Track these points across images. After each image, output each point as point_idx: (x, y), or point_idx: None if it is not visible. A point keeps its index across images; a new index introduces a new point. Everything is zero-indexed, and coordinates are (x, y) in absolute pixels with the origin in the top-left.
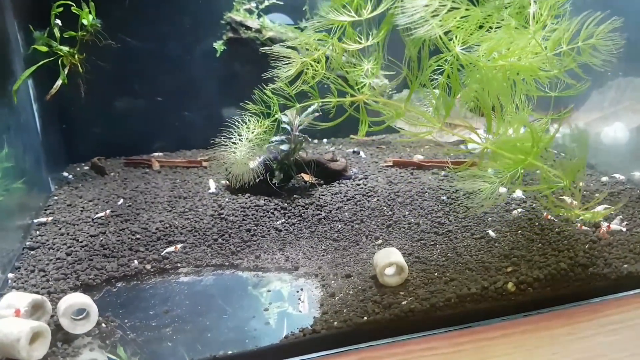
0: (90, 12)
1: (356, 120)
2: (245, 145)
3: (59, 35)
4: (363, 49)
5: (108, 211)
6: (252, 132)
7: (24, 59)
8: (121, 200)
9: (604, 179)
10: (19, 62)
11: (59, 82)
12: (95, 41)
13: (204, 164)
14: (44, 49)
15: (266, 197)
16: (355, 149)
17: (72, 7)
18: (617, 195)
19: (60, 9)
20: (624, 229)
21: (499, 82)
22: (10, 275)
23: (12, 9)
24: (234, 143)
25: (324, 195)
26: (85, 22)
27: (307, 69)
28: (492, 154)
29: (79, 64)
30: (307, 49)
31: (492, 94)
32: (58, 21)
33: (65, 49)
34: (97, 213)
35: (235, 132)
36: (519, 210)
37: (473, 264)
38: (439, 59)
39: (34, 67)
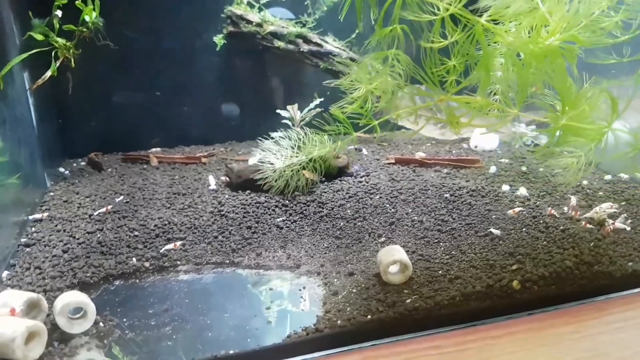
0: (94, 10)
1: (356, 118)
2: (300, 161)
3: (57, 26)
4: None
5: (110, 207)
6: (315, 150)
7: (20, 52)
8: (119, 197)
9: (607, 177)
10: (15, 55)
11: (48, 74)
12: (93, 39)
13: (203, 160)
14: (40, 37)
15: (267, 194)
16: (357, 146)
17: (77, 2)
18: (621, 194)
19: (64, 1)
20: (628, 228)
21: (555, 60)
22: (5, 273)
23: (8, 1)
24: (290, 156)
25: (325, 193)
26: (87, 18)
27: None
28: (568, 129)
29: (72, 59)
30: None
31: (551, 72)
32: (59, 12)
33: (62, 41)
34: (94, 210)
35: (295, 146)
36: (523, 208)
37: (477, 261)
38: (494, 52)
39: (24, 55)
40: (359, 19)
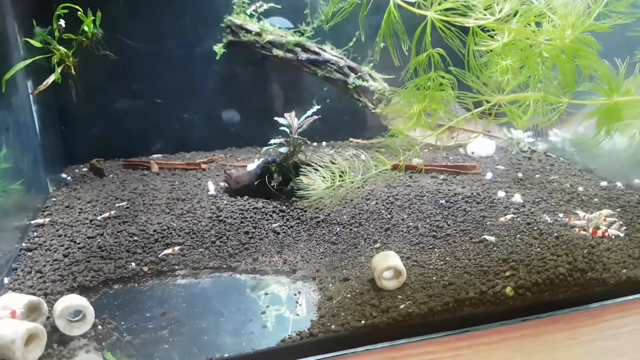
0: (94, 21)
1: (354, 123)
2: (355, 180)
3: (58, 35)
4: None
5: (113, 212)
6: (373, 169)
7: (23, 60)
8: (121, 203)
9: (603, 183)
10: (17, 63)
11: (51, 79)
12: (93, 48)
13: (203, 166)
14: (38, 44)
15: (264, 200)
16: (355, 152)
17: (79, 13)
18: (616, 200)
19: (66, 11)
20: (622, 234)
21: (582, 50)
22: (6, 277)
23: (13, 11)
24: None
25: (322, 198)
26: (86, 28)
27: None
28: (618, 106)
29: (72, 66)
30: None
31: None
32: (62, 22)
33: (63, 49)
34: (95, 215)
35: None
36: (518, 214)
37: (471, 268)
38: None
39: (28, 60)
40: (393, 54)
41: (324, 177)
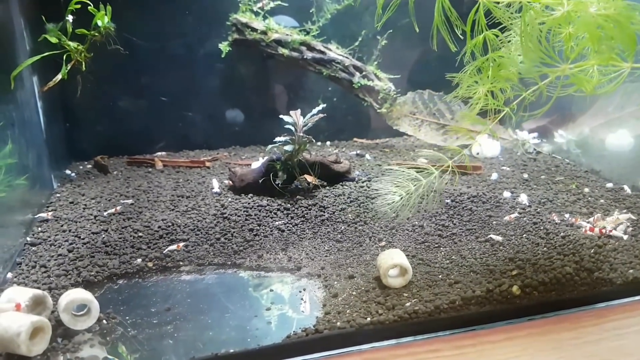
0: (106, 15)
1: (358, 123)
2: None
3: (70, 30)
4: None
5: (118, 208)
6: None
7: (30, 56)
8: (125, 199)
9: (609, 185)
10: (25, 59)
11: (59, 76)
12: (104, 43)
13: (207, 164)
14: (55, 40)
15: (269, 198)
16: (359, 152)
17: (89, 7)
18: (622, 202)
19: (78, 6)
20: (625, 236)
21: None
22: (10, 272)
23: (19, 6)
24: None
25: (327, 197)
26: (99, 23)
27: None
28: None
29: (83, 62)
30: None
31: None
32: (70, 17)
33: (74, 45)
34: (100, 211)
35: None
36: (524, 214)
37: (478, 266)
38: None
39: (37, 57)
40: (449, 41)
41: (399, 187)
